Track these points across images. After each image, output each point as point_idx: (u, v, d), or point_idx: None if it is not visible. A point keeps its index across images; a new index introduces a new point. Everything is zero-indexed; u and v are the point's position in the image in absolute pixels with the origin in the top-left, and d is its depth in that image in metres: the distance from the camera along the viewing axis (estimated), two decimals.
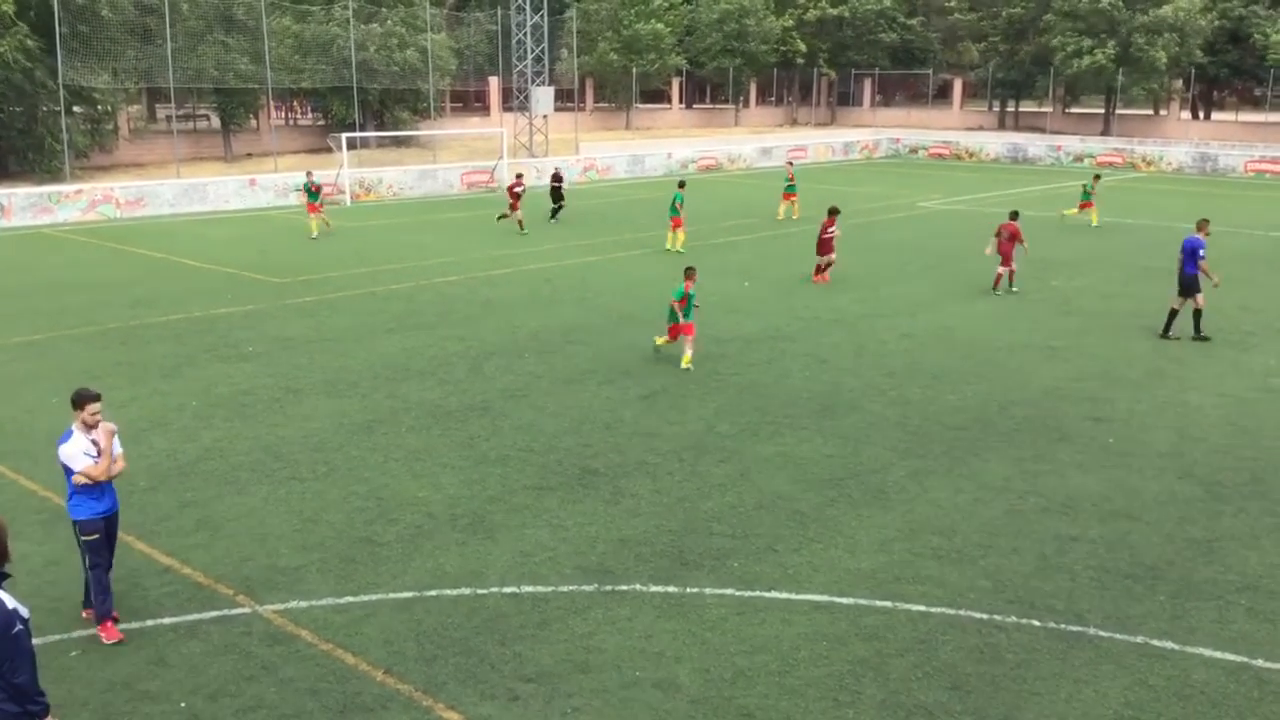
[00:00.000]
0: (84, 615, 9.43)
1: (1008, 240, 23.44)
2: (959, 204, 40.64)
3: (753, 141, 61.30)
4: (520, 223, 31.89)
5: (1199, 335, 19.25)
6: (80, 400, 8.95)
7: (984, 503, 12.07)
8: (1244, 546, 11.03)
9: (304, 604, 9.68)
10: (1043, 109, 76.46)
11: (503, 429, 14.36)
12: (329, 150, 46.76)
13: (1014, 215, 24.05)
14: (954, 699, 8.33)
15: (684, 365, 17.07)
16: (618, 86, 71.53)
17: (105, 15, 40.68)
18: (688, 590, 9.99)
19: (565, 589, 9.99)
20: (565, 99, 64.44)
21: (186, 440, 13.92)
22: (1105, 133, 67.91)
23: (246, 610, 9.60)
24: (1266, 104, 71.99)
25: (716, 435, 14.18)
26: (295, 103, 66.77)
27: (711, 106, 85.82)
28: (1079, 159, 58.05)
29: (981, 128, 74.74)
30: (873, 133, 68.27)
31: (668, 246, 28.70)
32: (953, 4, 76.76)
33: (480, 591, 9.94)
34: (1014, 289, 23.44)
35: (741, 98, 79.37)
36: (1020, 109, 78.22)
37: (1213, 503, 12.13)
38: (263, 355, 18.09)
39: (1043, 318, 21.25)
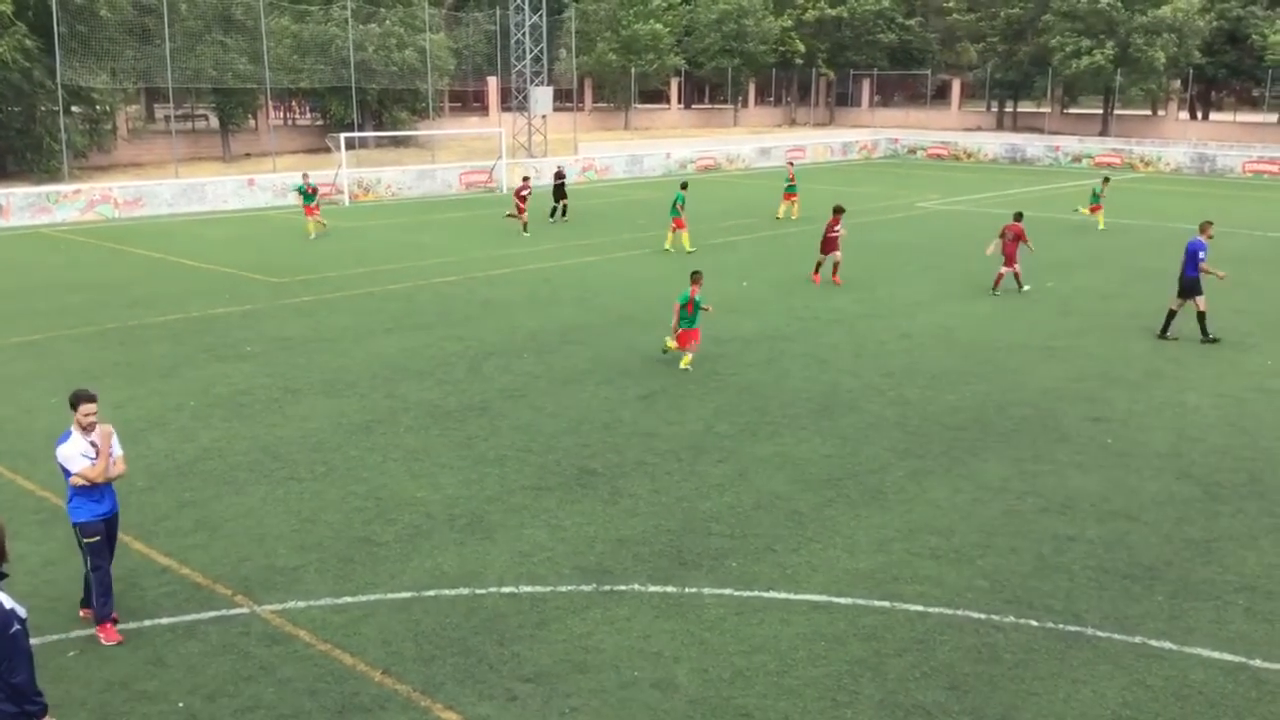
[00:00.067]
0: (82, 615, 9.42)
1: (1012, 241, 23.44)
2: (957, 204, 40.66)
3: (751, 142, 61.32)
4: (525, 225, 31.93)
5: (1206, 338, 19.13)
6: (73, 401, 8.93)
7: (982, 503, 12.07)
8: (1242, 547, 11.03)
9: (302, 604, 9.68)
10: (1041, 109, 76.50)
11: (501, 429, 14.36)
12: (327, 150, 46.77)
13: (1018, 216, 24.02)
14: (952, 699, 8.33)
15: (682, 366, 17.06)
16: (616, 87, 71.54)
17: (104, 15, 40.67)
18: (686, 590, 9.99)
19: (563, 589, 9.99)
20: (564, 99, 64.45)
21: (185, 440, 13.92)
22: (1103, 133, 67.96)
23: (245, 610, 9.59)
24: (1264, 104, 72.11)
25: (715, 435, 14.19)
26: (294, 103, 66.77)
27: (710, 107, 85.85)
28: (1077, 159, 58.09)
29: (980, 128, 74.78)
30: (871, 133, 68.30)
31: (666, 246, 28.70)
32: (951, 4, 76.80)
33: (478, 591, 9.94)
34: (1025, 288, 23.43)
35: (740, 98, 79.40)
36: (1018, 109, 78.27)
37: (1211, 503, 12.14)
38: (261, 355, 18.08)
39: (1041, 318, 21.26)
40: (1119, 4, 63.51)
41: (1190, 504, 12.10)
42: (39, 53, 38.74)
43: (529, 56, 50.83)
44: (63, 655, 8.87)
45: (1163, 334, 19.61)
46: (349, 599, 9.78)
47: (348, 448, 13.64)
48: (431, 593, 9.91)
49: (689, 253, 27.65)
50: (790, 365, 17.57)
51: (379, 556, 10.62)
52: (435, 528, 11.29)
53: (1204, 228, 19.53)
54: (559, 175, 35.36)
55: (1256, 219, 35.85)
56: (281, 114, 65.68)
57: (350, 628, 9.28)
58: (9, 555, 6.10)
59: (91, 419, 8.87)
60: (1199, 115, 73.80)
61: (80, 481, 8.81)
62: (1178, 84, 68.88)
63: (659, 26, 69.32)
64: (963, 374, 17.14)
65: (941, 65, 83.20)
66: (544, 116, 51.72)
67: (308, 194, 30.92)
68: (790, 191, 35.48)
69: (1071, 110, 75.11)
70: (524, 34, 50.65)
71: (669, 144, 58.69)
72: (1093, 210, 33.36)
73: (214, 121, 53.26)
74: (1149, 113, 72.58)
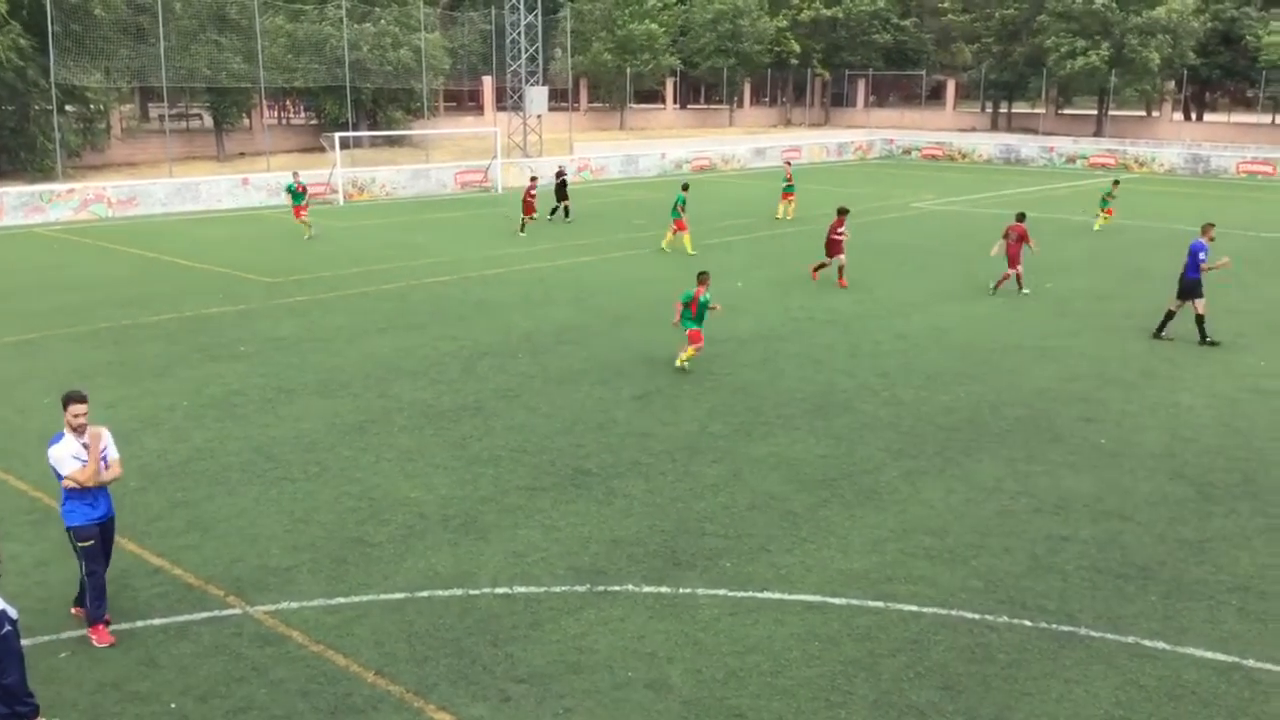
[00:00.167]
0: (73, 612, 9.39)
1: (1015, 242, 23.41)
2: (952, 205, 40.70)
3: (747, 142, 61.35)
4: (523, 225, 31.91)
5: (1204, 340, 19.10)
6: (64, 402, 8.85)
7: (976, 503, 12.08)
8: (1235, 547, 11.04)
9: (295, 605, 9.66)
10: (1035, 110, 76.61)
11: (495, 429, 14.34)
12: (322, 150, 46.71)
13: (1021, 217, 23.96)
14: (945, 699, 8.33)
15: (677, 364, 17.01)
16: (612, 86, 71.56)
17: (98, 14, 40.61)
18: (680, 591, 9.98)
19: (557, 589, 9.98)
20: (559, 99, 64.40)
21: (177, 440, 13.88)
22: (1098, 134, 68.08)
23: (237, 611, 9.57)
24: (1258, 105, 72.26)
25: (710, 435, 14.18)
26: (288, 102, 66.66)
27: (706, 107, 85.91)
28: (1071, 160, 58.18)
29: (974, 129, 74.87)
30: (866, 133, 68.35)
31: (663, 246, 28.69)
32: (946, 5, 76.90)
33: (472, 592, 9.92)
34: (1024, 290, 23.43)
35: (736, 98, 79.44)
36: (1013, 110, 78.38)
37: (1204, 503, 12.15)
38: (255, 355, 18.05)
39: (1036, 319, 21.28)
40: (1114, 5, 63.63)
41: (1183, 504, 12.12)
42: (33, 51, 38.65)
43: (524, 56, 50.81)
44: (54, 656, 8.84)
45: (1158, 334, 19.63)
46: (342, 600, 9.76)
47: (341, 448, 13.61)
48: (425, 593, 9.89)
49: (690, 255, 27.62)
50: (785, 365, 17.57)
51: (372, 557, 10.60)
52: (429, 528, 11.27)
53: (1205, 229, 19.51)
54: (560, 175, 35.34)
55: (1251, 219, 35.91)
56: (276, 113, 65.60)
57: (343, 628, 9.26)
58: (1, 557, 6.08)
59: (82, 420, 8.79)
60: (1193, 116, 73.96)
61: (71, 484, 8.76)
62: (1172, 85, 69.03)
63: (654, 26, 69.35)
64: (957, 374, 17.15)
65: (936, 66, 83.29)
66: (539, 116, 51.70)
67: (297, 193, 30.80)
68: (788, 191, 35.50)
69: (1066, 111, 75.25)
70: (519, 33, 50.63)
71: (664, 144, 58.71)
72: (1106, 213, 33.29)
73: (208, 121, 53.19)
74: (1143, 113, 72.73)
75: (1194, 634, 9.32)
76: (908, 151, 64.18)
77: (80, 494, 8.83)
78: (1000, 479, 12.78)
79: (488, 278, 25.03)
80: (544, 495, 12.17)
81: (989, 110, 78.57)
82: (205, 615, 9.49)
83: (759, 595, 9.91)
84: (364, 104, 52.06)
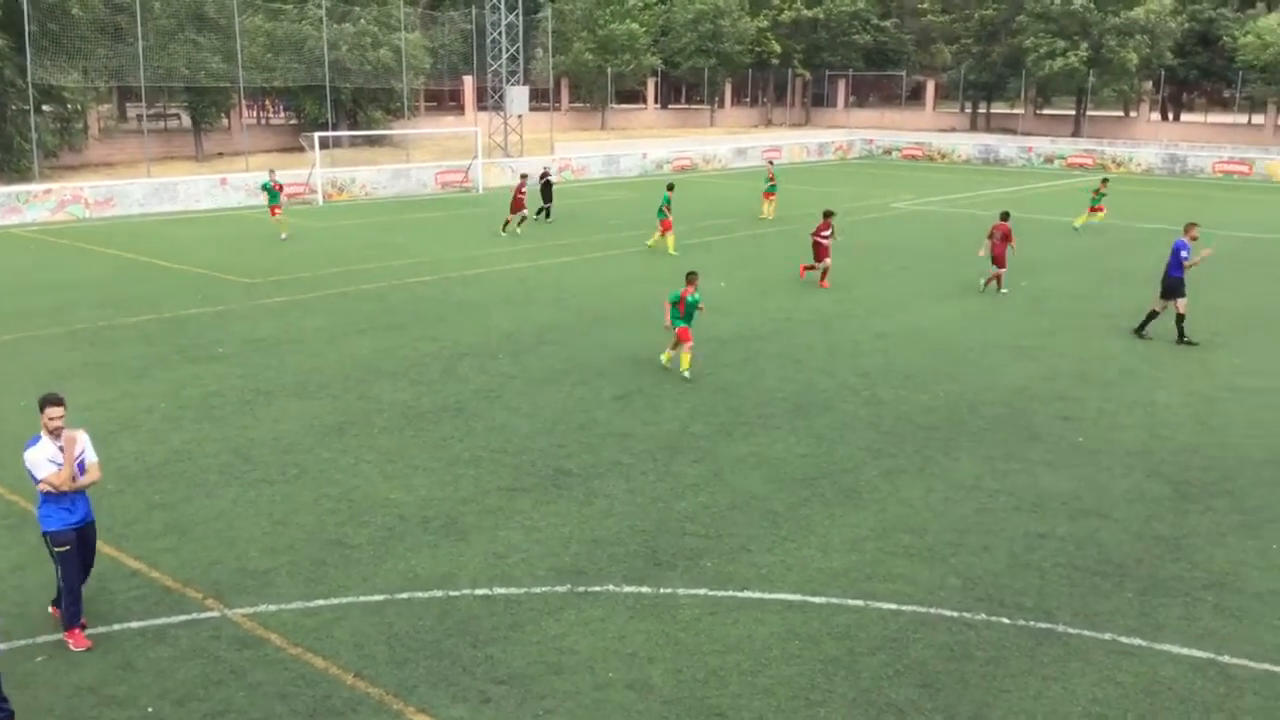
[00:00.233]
0: (51, 611, 9.31)
1: (1000, 241, 23.51)
2: (932, 205, 40.87)
3: (728, 142, 61.42)
4: (506, 224, 31.85)
5: (1183, 339, 19.21)
6: (40, 405, 8.77)
7: (955, 501, 12.13)
8: (1211, 544, 11.14)
9: (273, 607, 9.62)
10: (1014, 110, 77.02)
11: (476, 430, 14.32)
12: (301, 150, 46.47)
13: (1005, 216, 24.04)
14: (924, 697, 8.37)
15: (683, 370, 16.67)
16: (593, 86, 71.53)
17: (75, 13, 40.28)
18: (661, 590, 9.99)
19: (538, 590, 9.97)
20: (540, 99, 64.23)
21: (155, 442, 13.80)
22: (1076, 134, 68.48)
23: (215, 614, 9.52)
24: (1235, 106, 72.84)
25: (690, 435, 14.19)
26: (267, 102, 66.32)
27: (686, 107, 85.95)
28: (1050, 160, 58.52)
29: (954, 129, 75.19)
30: (847, 134, 68.55)
31: (649, 244, 28.69)
32: (926, 6, 77.20)
33: (452, 594, 9.90)
34: (1003, 290, 23.54)
35: (716, 98, 79.51)
36: (992, 110, 78.75)
37: (1180, 501, 12.25)
38: (233, 356, 17.96)
39: (1014, 318, 21.40)
40: (1092, 5, 64.01)
41: (1160, 502, 12.21)
42: (10, 51, 38.34)
43: (505, 56, 50.71)
44: (30, 661, 8.77)
45: (1139, 331, 19.74)
46: (321, 602, 9.72)
47: (320, 449, 13.56)
48: (405, 595, 9.86)
49: (672, 255, 27.65)
50: (766, 365, 17.60)
51: (351, 559, 10.57)
52: (409, 530, 11.24)
53: (1188, 228, 19.64)
54: (544, 176, 35.24)
55: (1226, 219, 36.18)
56: (255, 113, 65.27)
57: (322, 631, 9.23)
58: None
59: (58, 423, 8.71)
60: (1170, 116, 74.50)
61: (47, 488, 8.69)
62: (1150, 85, 69.50)
63: (635, 26, 69.34)
64: (936, 373, 17.22)
65: (916, 66, 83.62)
66: (520, 116, 51.61)
67: (274, 192, 30.63)
68: (770, 191, 35.56)
69: (1045, 111, 75.64)
70: (500, 33, 50.53)
71: (645, 144, 58.71)
72: (1092, 211, 33.30)
73: (186, 121, 52.86)
74: (1121, 114, 73.20)
75: (1170, 630, 9.39)
76: (888, 152, 64.40)
77: (57, 498, 8.75)
78: (979, 477, 12.85)
79: (468, 278, 24.98)
80: (524, 496, 12.16)
81: (968, 111, 78.92)
82: (183, 618, 9.44)
83: (739, 594, 9.93)
84: (344, 104, 51.84)
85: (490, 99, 52.58)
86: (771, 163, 45.04)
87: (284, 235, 30.52)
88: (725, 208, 38.54)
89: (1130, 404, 15.78)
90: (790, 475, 12.84)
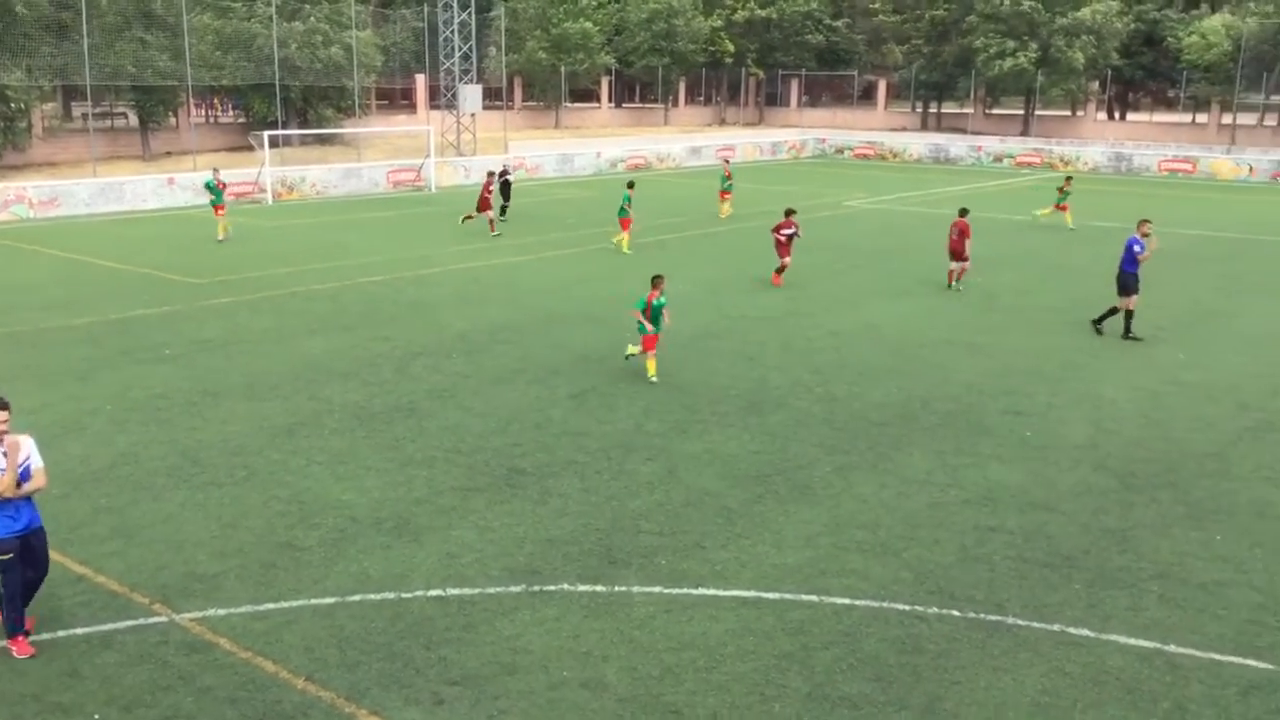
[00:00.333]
0: None
1: (958, 237, 23.72)
2: (884, 203, 41.22)
3: (682, 141, 61.54)
4: (470, 218, 31.60)
5: (1129, 335, 19.52)
6: None
7: (907, 496, 12.24)
8: (1156, 535, 11.32)
9: (222, 611, 9.49)
10: (964, 110, 77.89)
11: (429, 430, 14.22)
12: (250, 148, 45.92)
13: (963, 212, 24.24)
14: (877, 690, 8.43)
15: (650, 375, 16.46)
16: (546, 85, 71.34)
17: (19, 11, 39.56)
18: (616, 589, 9.98)
19: (492, 590, 9.92)
20: (493, 97, 64.03)
21: (101, 445, 13.56)
22: (1024, 133, 69.40)
23: (163, 619, 9.37)
24: (1179, 105, 74.19)
25: (645, 434, 14.19)
26: (216, 100, 65.44)
27: (641, 106, 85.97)
28: (999, 159, 59.25)
29: (905, 128, 75.92)
30: (799, 133, 68.95)
31: (614, 241, 28.63)
32: (877, 6, 77.86)
33: (405, 595, 9.82)
34: (954, 286, 23.79)
35: (670, 97, 79.64)
36: (943, 110, 79.60)
37: (1126, 493, 12.44)
38: (180, 358, 17.69)
39: (964, 314, 21.63)
40: (1040, 6, 64.89)
41: (1107, 494, 12.39)
42: None
43: (458, 54, 50.44)
44: None
45: (1096, 323, 19.99)
46: (271, 605, 9.60)
47: (270, 451, 13.40)
48: (356, 597, 9.77)
49: (625, 254, 27.66)
50: (719, 363, 17.65)
51: (302, 562, 10.45)
52: (360, 531, 11.14)
53: (1141, 224, 20.00)
54: (504, 174, 35.06)
55: (1171, 216, 36.78)
56: (203, 111, 64.36)
57: (272, 635, 9.11)
58: None
59: (3, 429, 8.53)
60: (1116, 115, 75.70)
61: None
62: (1096, 85, 70.61)
63: (589, 25, 69.27)
64: (888, 370, 17.36)
65: (868, 66, 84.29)
66: (473, 115, 51.36)
67: (217, 190, 30.09)
68: (727, 190, 35.63)
69: (994, 111, 76.58)
70: (453, 31, 50.25)
71: (600, 143, 58.67)
72: (1058, 208, 33.70)
73: (133, 119, 52.04)
74: (1068, 113, 74.29)
75: (1117, 621, 9.53)
76: (840, 151, 64.86)
77: (0, 505, 8.57)
78: (930, 472, 12.97)
79: (421, 278, 24.81)
80: (478, 496, 12.09)
81: (919, 110, 79.73)
82: (130, 624, 9.28)
83: (694, 592, 9.95)
84: (294, 102, 51.26)
85: (443, 97, 52.28)
86: (728, 161, 45.21)
87: (221, 237, 29.91)
88: (679, 206, 38.59)
89: (1077, 398, 16.01)
90: (744, 472, 12.89)
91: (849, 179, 50.48)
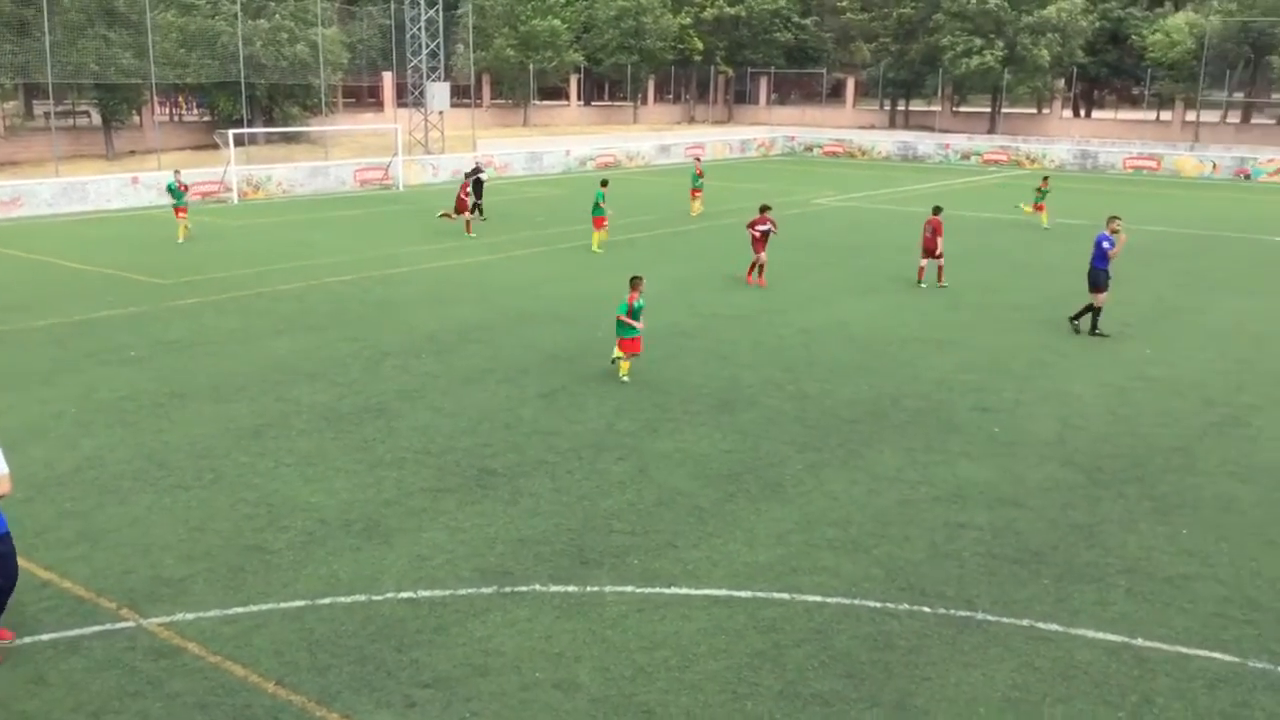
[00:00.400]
0: None
1: (931, 235, 23.83)
2: (853, 201, 41.39)
3: (651, 139, 61.54)
4: (449, 215, 31.38)
5: (1095, 332, 19.72)
6: None
7: (877, 493, 12.30)
8: (1123, 530, 11.44)
9: (191, 616, 9.39)
10: (932, 108, 78.37)
11: (398, 430, 14.14)
12: (215, 147, 45.48)
13: (936, 210, 24.33)
14: (849, 687, 8.46)
15: (621, 375, 16.41)
16: (515, 83, 71.10)
17: None
18: (588, 589, 9.96)
19: (463, 592, 9.88)
20: (461, 95, 63.76)
21: (65, 448, 13.39)
22: (991, 131, 69.89)
23: (130, 624, 9.26)
24: (1144, 102, 74.97)
25: (616, 433, 14.18)
26: (180, 98, 64.81)
27: (610, 104, 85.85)
28: (966, 157, 59.67)
29: (873, 126, 76.29)
30: (768, 130, 69.12)
31: (596, 244, 28.51)
32: (845, 4, 78.15)
33: (375, 598, 9.76)
34: (922, 284, 23.92)
35: (639, 95, 79.59)
36: (910, 108, 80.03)
37: (1093, 489, 12.56)
38: (145, 359, 17.50)
39: (933, 312, 21.76)
40: (1006, 4, 65.37)
41: (1074, 490, 12.51)
42: None
43: (425, 51, 50.18)
44: None
45: (1074, 319, 20.14)
46: (240, 609, 9.52)
47: (237, 453, 13.27)
48: (326, 600, 9.70)
49: (595, 253, 27.63)
50: (690, 361, 17.66)
51: (271, 565, 10.36)
52: (330, 534, 11.06)
53: (1110, 221, 20.19)
54: (476, 172, 34.87)
55: (1137, 213, 37.11)
56: (167, 110, 63.69)
57: (242, 639, 9.03)
58: None
59: None
60: (1082, 113, 76.37)
61: None
62: (1062, 83, 71.20)
63: (557, 23, 69.11)
64: (859, 367, 17.44)
65: (836, 64, 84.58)
66: (441, 113, 51.13)
67: (178, 192, 29.72)
68: (697, 187, 35.65)
69: (961, 109, 77.07)
70: (420, 28, 49.99)
71: (568, 141, 58.56)
72: (1036, 208, 33.93)
73: (96, 118, 51.41)
74: (1034, 111, 74.87)
75: (1085, 615, 9.62)
76: (809, 149, 65.08)
77: None
78: (900, 469, 13.04)
79: (390, 277, 24.66)
80: (449, 496, 12.04)
81: (887, 108, 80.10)
82: (97, 629, 9.17)
83: (666, 591, 9.95)
84: (259, 100, 50.83)
85: (410, 95, 52.00)
86: (699, 159, 45.26)
87: (181, 239, 29.56)
88: (649, 205, 38.58)
89: (1045, 395, 16.14)
90: (716, 471, 12.90)
91: (818, 176, 50.67)
